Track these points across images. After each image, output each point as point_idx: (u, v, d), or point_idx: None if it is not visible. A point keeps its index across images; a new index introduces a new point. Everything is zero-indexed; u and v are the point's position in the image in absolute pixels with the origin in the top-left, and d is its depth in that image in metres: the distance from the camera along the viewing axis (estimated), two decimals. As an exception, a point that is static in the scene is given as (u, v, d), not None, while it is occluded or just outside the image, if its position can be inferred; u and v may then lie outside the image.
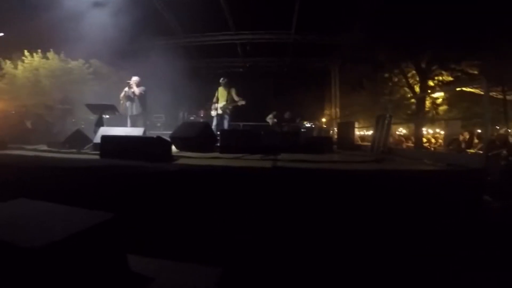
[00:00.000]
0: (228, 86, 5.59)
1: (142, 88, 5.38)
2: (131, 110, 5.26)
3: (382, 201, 2.04)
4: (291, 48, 8.62)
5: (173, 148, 3.22)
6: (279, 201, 2.10)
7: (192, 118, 6.75)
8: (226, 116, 5.54)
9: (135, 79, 5.34)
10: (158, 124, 8.54)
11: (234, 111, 7.12)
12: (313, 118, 9.13)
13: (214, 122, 5.60)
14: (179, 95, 8.51)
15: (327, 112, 11.28)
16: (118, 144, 2.62)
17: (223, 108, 5.58)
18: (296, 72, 9.62)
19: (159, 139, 2.56)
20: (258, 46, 8.55)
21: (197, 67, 9.97)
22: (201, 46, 8.53)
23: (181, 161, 2.66)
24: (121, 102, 5.28)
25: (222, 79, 5.61)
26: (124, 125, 5.20)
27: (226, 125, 5.48)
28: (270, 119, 7.01)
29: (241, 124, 9.30)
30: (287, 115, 6.80)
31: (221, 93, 5.66)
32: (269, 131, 5.78)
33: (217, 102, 5.67)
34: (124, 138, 2.81)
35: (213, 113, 5.72)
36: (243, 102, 5.53)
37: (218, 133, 4.36)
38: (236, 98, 5.49)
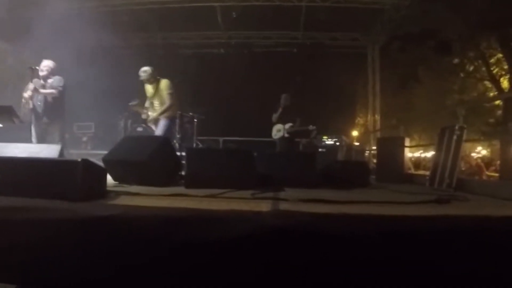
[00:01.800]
0: (153, 80, 5.82)
1: (58, 79, 5.47)
2: (39, 115, 5.32)
3: (450, 272, 2.09)
4: (304, 17, 8.96)
5: (109, 178, 3.25)
6: (281, 274, 2.13)
7: (140, 129, 6.81)
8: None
9: (46, 64, 5.44)
10: (84, 139, 8.61)
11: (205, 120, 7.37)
12: (338, 130, 9.29)
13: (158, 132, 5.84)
14: (119, 92, 8.61)
15: (360, 120, 11.56)
16: (15, 172, 2.65)
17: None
18: (311, 56, 9.91)
19: (85, 164, 2.60)
20: (250, 12, 8.86)
21: (151, 45, 10.22)
22: (156, 12, 8.80)
23: (119, 200, 2.68)
24: (23, 102, 5.35)
25: (143, 70, 5.83)
26: (28, 139, 5.24)
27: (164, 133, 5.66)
28: (279, 131, 7.10)
29: (221, 139, 9.49)
30: (296, 125, 6.94)
31: (148, 92, 5.96)
32: (269, 152, 5.88)
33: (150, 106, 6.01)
34: (25, 162, 2.84)
35: (149, 122, 6.06)
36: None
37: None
38: (167, 100, 5.72)
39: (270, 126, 7.50)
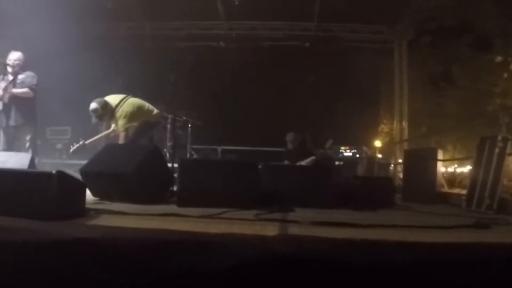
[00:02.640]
0: (111, 114, 5.54)
1: (30, 76, 5.53)
2: (6, 117, 5.37)
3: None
4: (318, 5, 9.00)
5: (88, 193, 3.28)
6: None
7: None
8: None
9: (17, 57, 5.50)
10: (59, 146, 8.64)
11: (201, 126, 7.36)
12: (358, 140, 9.27)
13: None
14: (100, 91, 8.65)
15: (384, 128, 11.55)
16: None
17: None
18: (326, 51, 9.96)
19: (60, 176, 2.62)
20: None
21: (138, 36, 10.28)
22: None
23: (100, 220, 2.70)
24: None
25: (92, 109, 5.49)
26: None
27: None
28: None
29: (219, 148, 9.51)
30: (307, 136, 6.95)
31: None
32: (275, 164, 5.89)
33: None
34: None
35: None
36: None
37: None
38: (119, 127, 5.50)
39: (277, 134, 7.53)
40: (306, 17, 9.66)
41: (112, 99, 5.47)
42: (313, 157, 6.87)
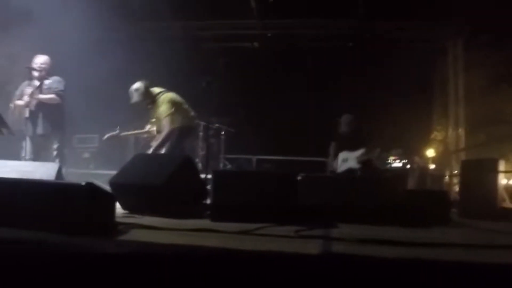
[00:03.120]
0: (150, 101, 5.87)
1: (57, 80, 5.72)
2: (33, 126, 5.56)
3: None
4: (363, 0, 8.93)
5: (118, 206, 3.36)
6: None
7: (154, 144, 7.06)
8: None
9: (43, 61, 5.72)
10: (86, 155, 8.92)
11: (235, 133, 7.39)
12: (408, 148, 9.09)
13: None
14: (128, 97, 8.86)
15: (437, 135, 11.29)
16: (3, 197, 2.78)
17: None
18: (372, 52, 9.85)
19: (89, 188, 2.70)
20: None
21: (168, 38, 10.46)
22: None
23: (130, 235, 2.76)
24: (12, 108, 5.63)
25: (134, 88, 5.86)
26: (19, 155, 5.49)
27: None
28: (344, 160, 7.07)
29: (255, 158, 9.51)
30: (372, 153, 6.87)
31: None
32: (317, 176, 5.87)
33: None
34: (16, 185, 2.97)
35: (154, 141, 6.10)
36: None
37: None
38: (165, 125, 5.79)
39: (316, 142, 7.49)
40: (348, 14, 9.57)
41: (152, 89, 5.83)
42: (364, 149, 6.84)
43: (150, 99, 5.75)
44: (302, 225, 3.22)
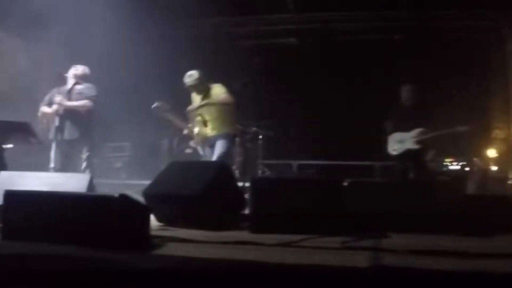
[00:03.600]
0: (202, 89, 5.92)
1: (88, 86, 5.92)
2: (61, 132, 5.71)
3: None
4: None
5: (152, 218, 3.41)
6: None
7: (189, 151, 7.06)
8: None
9: (81, 72, 5.93)
10: (118, 165, 9.09)
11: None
12: (467, 149, 8.84)
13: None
14: (162, 99, 9.01)
15: (498, 134, 10.94)
16: (35, 210, 2.90)
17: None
18: (421, 45, 9.66)
19: (123, 200, 2.76)
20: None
21: (198, 36, 10.55)
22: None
23: (166, 249, 2.82)
24: (40, 115, 5.83)
25: (188, 75, 5.95)
26: (46, 165, 5.65)
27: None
28: (401, 142, 6.65)
29: (295, 163, 9.48)
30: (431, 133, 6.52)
31: (195, 102, 6.10)
32: (365, 181, 5.77)
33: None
34: (48, 198, 3.09)
35: (193, 142, 6.23)
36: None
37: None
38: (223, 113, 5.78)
39: (362, 144, 7.39)
40: (394, 4, 9.44)
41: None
42: (422, 129, 6.51)
43: (203, 86, 5.85)
44: (349, 236, 3.22)
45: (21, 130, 5.09)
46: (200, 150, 6.13)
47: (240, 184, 4.89)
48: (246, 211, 4.11)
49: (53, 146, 5.68)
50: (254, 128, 7.56)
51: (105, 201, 2.84)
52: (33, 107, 6.00)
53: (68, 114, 5.73)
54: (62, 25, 7.40)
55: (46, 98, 5.90)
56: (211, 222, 3.60)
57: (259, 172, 7.96)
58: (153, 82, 8.65)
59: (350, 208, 3.70)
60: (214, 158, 5.64)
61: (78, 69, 5.91)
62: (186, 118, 6.14)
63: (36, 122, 5.64)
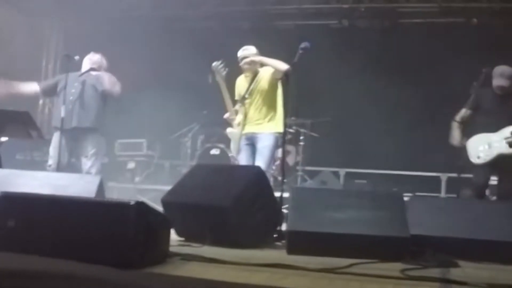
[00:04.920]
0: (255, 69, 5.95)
1: (108, 75, 6.09)
2: (69, 118, 5.81)
3: None
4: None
5: (172, 233, 3.42)
6: None
7: (215, 151, 7.06)
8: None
9: (96, 60, 6.13)
10: (131, 165, 9.15)
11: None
12: None
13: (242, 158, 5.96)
14: (183, 92, 9.09)
15: None
16: (34, 218, 2.92)
17: None
18: (506, 29, 9.41)
19: (140, 209, 2.76)
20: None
21: (232, 16, 10.58)
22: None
23: (187, 269, 2.84)
24: (41, 102, 5.90)
25: (245, 48, 6.03)
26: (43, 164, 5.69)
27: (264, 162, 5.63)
28: (489, 145, 6.12)
29: (342, 171, 9.39)
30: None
31: (240, 88, 6.11)
32: (430, 198, 5.64)
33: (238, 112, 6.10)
34: (48, 203, 3.09)
35: (233, 145, 6.15)
36: None
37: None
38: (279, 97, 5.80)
39: (427, 151, 7.26)
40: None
41: None
42: None
43: (258, 65, 5.90)
44: (411, 262, 3.19)
45: (19, 121, 5.17)
46: (232, 148, 6.14)
47: (276, 194, 4.84)
48: (284, 227, 4.11)
49: (54, 139, 5.81)
50: (295, 128, 7.53)
51: (117, 209, 2.84)
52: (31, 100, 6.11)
53: (79, 97, 5.85)
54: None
55: (50, 82, 6.03)
56: (243, 239, 3.59)
57: (299, 180, 7.94)
58: (175, 70, 8.73)
59: (411, 229, 3.65)
60: (257, 162, 5.57)
61: (94, 56, 6.08)
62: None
63: (36, 111, 5.75)
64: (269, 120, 5.82)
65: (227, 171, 4.51)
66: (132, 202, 2.70)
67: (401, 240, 3.47)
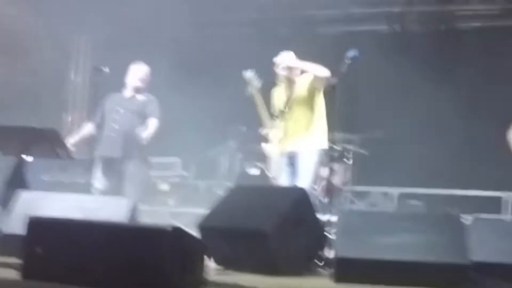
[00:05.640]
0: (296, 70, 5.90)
1: (154, 102, 6.27)
2: (108, 145, 6.00)
3: None
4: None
5: (211, 262, 3.47)
6: None
7: (255, 171, 7.07)
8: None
9: (144, 73, 6.24)
10: (164, 187, 9.19)
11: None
12: None
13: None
14: (220, 108, 9.27)
15: None
16: (63, 244, 2.99)
17: None
18: None
19: (177, 235, 2.81)
20: None
21: (267, 25, 10.64)
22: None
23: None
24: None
25: (284, 54, 5.97)
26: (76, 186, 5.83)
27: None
28: None
29: (396, 192, 9.25)
30: None
31: (279, 100, 6.08)
32: (495, 220, 5.56)
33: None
34: (78, 228, 3.17)
35: (273, 165, 6.08)
36: None
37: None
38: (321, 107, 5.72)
39: (491, 169, 7.15)
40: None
41: None
42: None
43: (295, 73, 5.86)
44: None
45: (46, 139, 5.24)
46: (272, 169, 6.11)
47: (322, 217, 4.84)
48: (330, 253, 4.12)
49: (97, 161, 6.03)
50: (343, 145, 7.49)
51: (153, 234, 2.88)
52: (60, 109, 6.22)
53: (123, 126, 6.00)
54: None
55: (100, 113, 6.23)
56: (284, 265, 3.61)
57: (347, 202, 7.90)
58: (212, 84, 8.83)
59: (472, 255, 3.62)
60: (299, 183, 5.48)
61: (142, 69, 6.20)
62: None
63: (64, 128, 5.86)
64: (310, 134, 5.75)
65: (268, 192, 4.54)
66: (168, 228, 2.75)
67: (460, 267, 3.45)
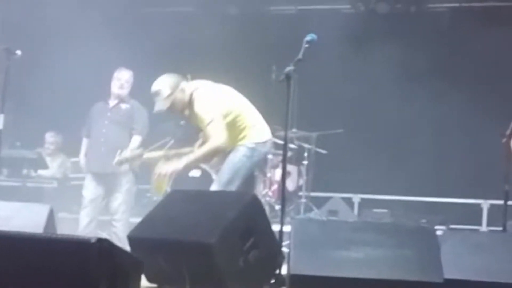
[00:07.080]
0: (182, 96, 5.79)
1: (139, 109, 6.74)
2: (100, 159, 6.50)
3: None
4: None
5: (143, 279, 3.46)
6: None
7: (195, 173, 7.09)
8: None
9: (127, 78, 6.63)
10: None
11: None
12: None
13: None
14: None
15: None
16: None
17: None
18: None
19: (103, 248, 2.78)
20: None
21: (212, 1, 10.69)
22: None
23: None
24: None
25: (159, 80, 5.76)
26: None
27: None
28: None
29: (357, 197, 9.36)
30: None
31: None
32: (470, 232, 5.69)
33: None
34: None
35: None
36: None
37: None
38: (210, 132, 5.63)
39: (468, 172, 7.32)
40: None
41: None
42: None
43: (181, 94, 5.61)
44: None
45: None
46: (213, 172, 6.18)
47: (274, 228, 4.85)
48: (282, 270, 4.14)
49: (88, 176, 6.76)
50: (298, 143, 7.53)
51: (73, 248, 2.81)
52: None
53: (108, 139, 6.59)
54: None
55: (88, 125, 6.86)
56: (231, 284, 3.63)
57: (302, 209, 7.95)
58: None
59: (445, 272, 3.70)
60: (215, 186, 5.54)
61: (124, 75, 6.61)
62: None
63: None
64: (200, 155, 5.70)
65: (211, 197, 4.54)
66: (93, 239, 2.68)
67: (432, 286, 3.52)
